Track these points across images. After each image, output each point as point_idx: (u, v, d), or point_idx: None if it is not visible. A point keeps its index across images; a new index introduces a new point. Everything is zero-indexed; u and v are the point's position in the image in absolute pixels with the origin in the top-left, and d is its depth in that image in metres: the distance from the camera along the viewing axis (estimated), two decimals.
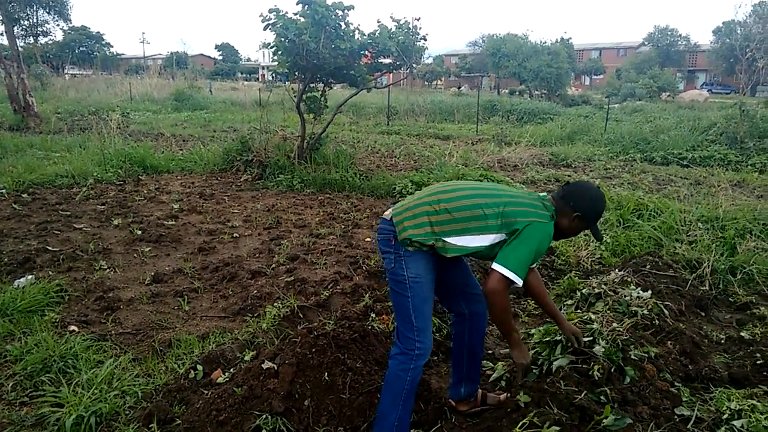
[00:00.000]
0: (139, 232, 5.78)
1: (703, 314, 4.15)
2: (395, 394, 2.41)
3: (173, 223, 6.30)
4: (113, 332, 3.62)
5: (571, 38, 47.68)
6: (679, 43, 66.97)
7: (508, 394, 2.80)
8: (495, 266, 2.29)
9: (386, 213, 2.52)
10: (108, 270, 4.77)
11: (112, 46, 71.39)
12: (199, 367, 3.06)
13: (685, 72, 64.03)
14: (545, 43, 37.81)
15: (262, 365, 2.76)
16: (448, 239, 2.36)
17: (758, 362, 3.25)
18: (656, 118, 19.22)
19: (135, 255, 5.19)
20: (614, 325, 3.10)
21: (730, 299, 4.47)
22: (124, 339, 3.56)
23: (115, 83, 30.97)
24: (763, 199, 6.80)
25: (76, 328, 3.61)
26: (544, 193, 2.54)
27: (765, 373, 3.12)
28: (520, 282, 2.28)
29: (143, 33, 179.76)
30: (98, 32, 68.22)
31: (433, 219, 2.37)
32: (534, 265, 2.53)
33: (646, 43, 67.76)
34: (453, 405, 2.82)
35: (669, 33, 67.18)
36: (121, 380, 2.95)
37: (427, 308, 2.43)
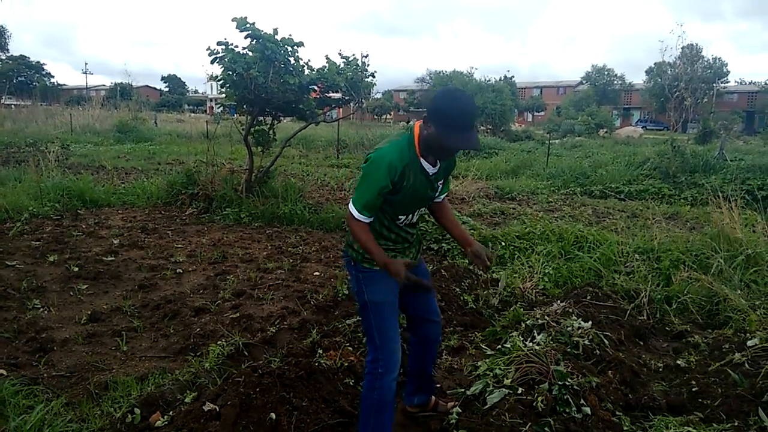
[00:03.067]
0: (76, 269, 5.55)
1: (641, 343, 4.28)
2: (366, 413, 2.50)
3: (113, 258, 6.08)
4: (45, 375, 3.44)
5: (513, 76, 49.63)
6: (615, 82, 70.78)
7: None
8: None
9: None
10: (41, 309, 4.54)
11: (52, 77, 69.79)
12: (137, 411, 2.93)
13: (621, 109, 67.52)
14: (489, 80, 39.18)
15: (204, 407, 2.67)
16: None
17: (694, 389, 3.37)
18: (594, 153, 20.13)
19: (71, 293, 4.97)
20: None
21: (667, 328, 4.64)
22: (57, 382, 3.38)
23: (55, 114, 29.90)
24: (695, 231, 7.13)
25: (4, 372, 3.40)
26: None
27: (700, 401, 3.24)
28: (356, 213, 2.36)
29: (86, 63, 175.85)
30: (38, 62, 66.61)
31: None
32: (440, 198, 2.66)
33: (584, 82, 71.21)
34: (407, 409, 3.02)
35: (605, 73, 70.96)
36: (52, 426, 2.79)
37: (389, 327, 2.49)
